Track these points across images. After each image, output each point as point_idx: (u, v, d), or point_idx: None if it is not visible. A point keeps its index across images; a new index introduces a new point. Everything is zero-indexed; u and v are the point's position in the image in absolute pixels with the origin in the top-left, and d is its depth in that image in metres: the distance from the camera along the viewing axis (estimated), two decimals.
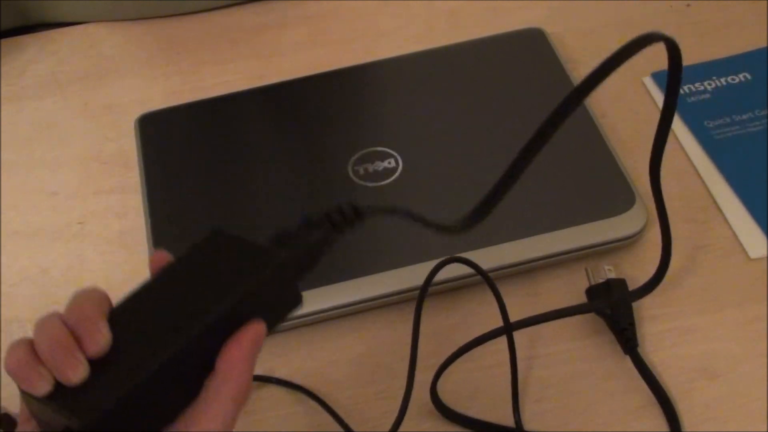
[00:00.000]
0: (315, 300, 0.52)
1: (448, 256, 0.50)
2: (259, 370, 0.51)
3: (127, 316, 0.34)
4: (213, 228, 0.37)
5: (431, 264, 0.52)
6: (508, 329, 0.49)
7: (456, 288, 0.54)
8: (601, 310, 0.51)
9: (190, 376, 0.34)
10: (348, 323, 0.53)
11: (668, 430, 0.47)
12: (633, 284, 0.53)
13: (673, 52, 0.38)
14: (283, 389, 0.51)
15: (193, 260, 0.36)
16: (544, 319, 0.49)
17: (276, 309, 0.36)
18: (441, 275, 0.50)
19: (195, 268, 0.35)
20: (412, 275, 0.52)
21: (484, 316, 0.53)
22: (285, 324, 0.52)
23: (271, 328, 0.35)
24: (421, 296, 0.50)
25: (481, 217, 0.38)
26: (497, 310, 0.52)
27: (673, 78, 0.39)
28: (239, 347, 0.34)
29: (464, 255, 0.52)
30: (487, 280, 0.50)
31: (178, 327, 0.33)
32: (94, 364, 0.33)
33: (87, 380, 0.33)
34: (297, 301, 0.36)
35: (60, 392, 0.33)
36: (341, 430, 0.48)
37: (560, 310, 0.49)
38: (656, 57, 0.66)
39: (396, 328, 0.53)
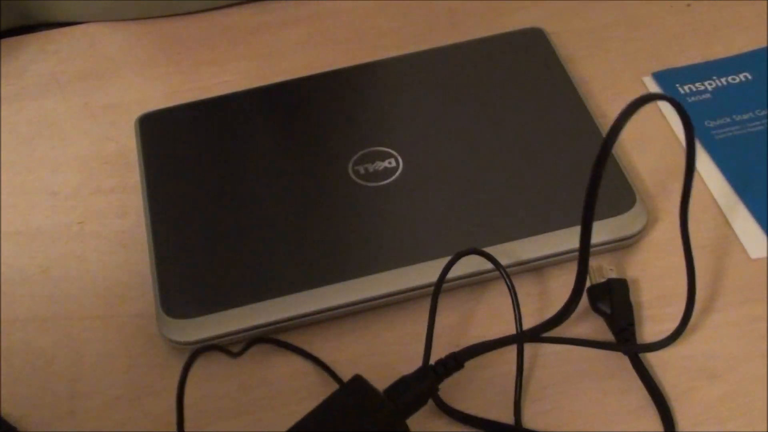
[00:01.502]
0: (316, 300, 0.52)
1: (470, 248, 0.52)
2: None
3: None
4: (355, 375, 0.45)
5: (430, 264, 0.52)
6: (520, 339, 0.49)
7: (454, 288, 0.54)
8: (619, 344, 0.51)
9: None
10: (347, 323, 0.53)
11: (663, 430, 0.47)
12: (634, 285, 0.53)
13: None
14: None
15: (333, 402, 0.44)
16: (560, 341, 0.50)
17: None
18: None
19: (332, 410, 0.44)
20: (412, 275, 0.53)
21: (481, 317, 0.53)
22: (285, 324, 0.52)
23: None
24: (438, 287, 0.51)
25: None
26: (495, 311, 0.53)
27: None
28: None
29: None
30: (506, 278, 0.51)
31: None
32: None
33: None
34: None
35: None
36: None
37: (581, 340, 0.50)
38: (656, 57, 0.66)
39: (397, 328, 0.53)
